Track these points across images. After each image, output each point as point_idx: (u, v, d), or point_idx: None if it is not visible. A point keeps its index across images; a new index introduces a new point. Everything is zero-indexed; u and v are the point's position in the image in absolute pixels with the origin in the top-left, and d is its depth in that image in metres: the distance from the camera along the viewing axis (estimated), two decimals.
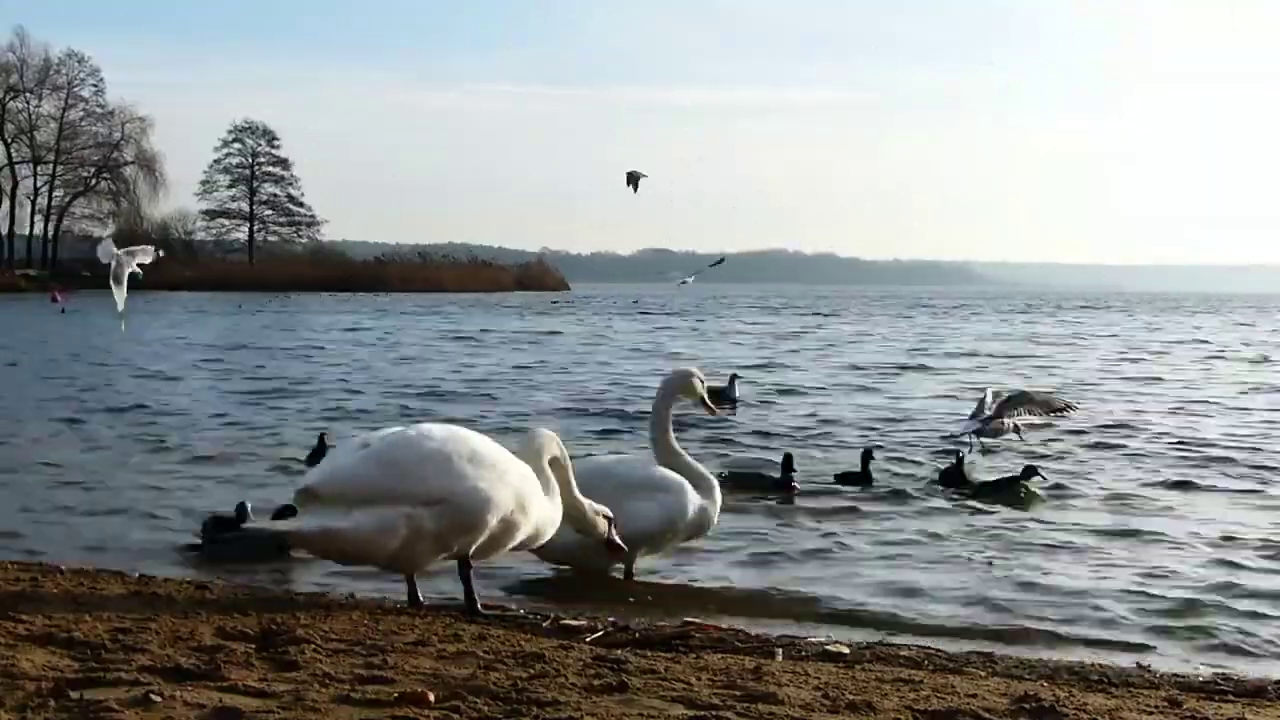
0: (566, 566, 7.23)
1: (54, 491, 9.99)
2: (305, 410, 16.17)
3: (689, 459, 7.31)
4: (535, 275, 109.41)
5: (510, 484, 5.69)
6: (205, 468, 11.32)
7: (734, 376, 17.54)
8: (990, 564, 7.83)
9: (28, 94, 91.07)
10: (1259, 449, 13.25)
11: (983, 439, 10.04)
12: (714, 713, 4.06)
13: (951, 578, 7.45)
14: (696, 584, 7.26)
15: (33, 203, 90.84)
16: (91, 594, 5.85)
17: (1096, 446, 13.13)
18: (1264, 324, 55.97)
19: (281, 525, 5.76)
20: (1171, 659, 5.94)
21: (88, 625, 5.06)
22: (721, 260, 30.07)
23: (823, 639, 5.90)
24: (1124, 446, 13.19)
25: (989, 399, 10.18)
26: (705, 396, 7.48)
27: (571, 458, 6.25)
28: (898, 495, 10.22)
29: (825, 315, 61.49)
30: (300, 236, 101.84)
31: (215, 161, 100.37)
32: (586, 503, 6.21)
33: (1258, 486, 10.91)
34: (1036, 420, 10.80)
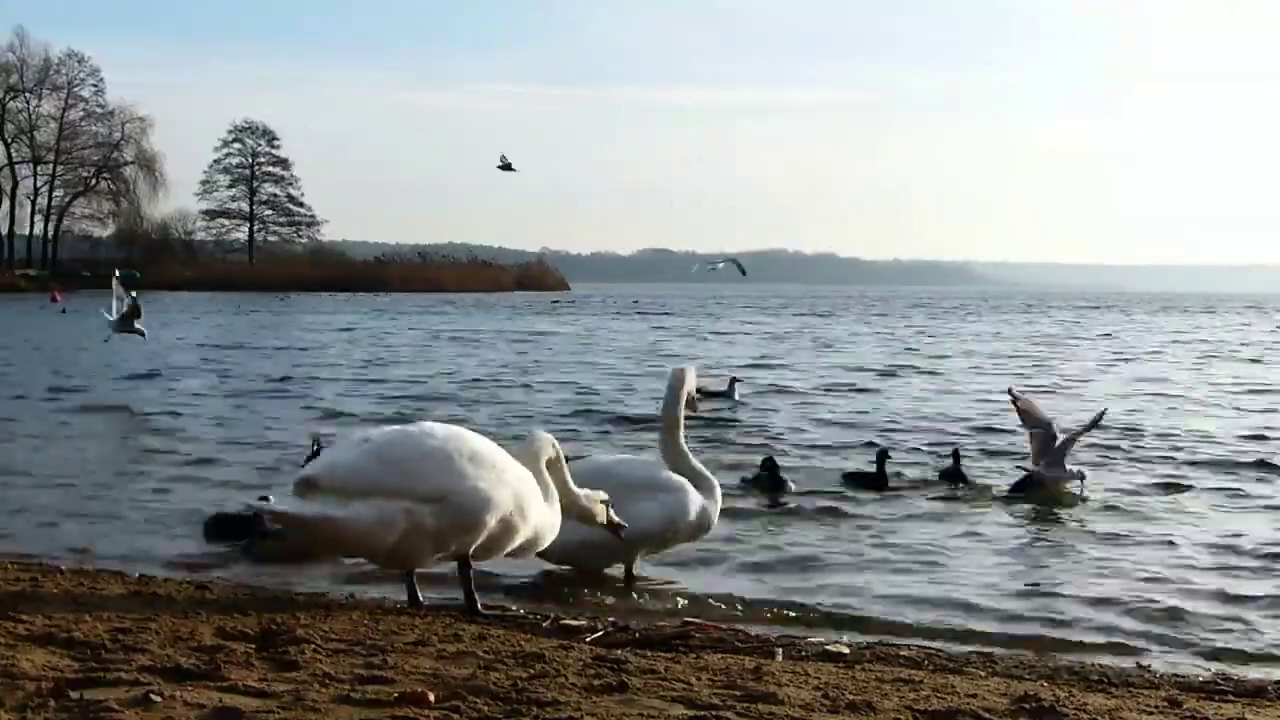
0: (566, 567, 7.23)
1: (53, 492, 9.98)
2: (298, 411, 16.15)
3: (694, 460, 7.31)
4: (535, 275, 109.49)
5: (509, 485, 5.69)
6: (202, 468, 11.31)
7: (734, 380, 17.57)
8: (990, 564, 7.83)
9: (28, 94, 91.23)
10: (1258, 449, 13.25)
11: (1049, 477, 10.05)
12: (714, 713, 4.06)
13: (952, 578, 7.45)
14: (697, 584, 7.26)
15: (33, 203, 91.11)
16: (91, 594, 5.85)
17: (1093, 447, 13.12)
18: (1263, 324, 55.98)
19: (279, 506, 5.74)
20: (1171, 659, 5.94)
21: (88, 625, 5.06)
22: (738, 266, 30.06)
23: (823, 639, 5.90)
24: (1121, 447, 13.18)
25: (1057, 434, 10.17)
26: (693, 392, 7.47)
27: (569, 459, 6.26)
28: (897, 496, 10.22)
29: (823, 315, 61.47)
30: (300, 236, 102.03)
31: (215, 161, 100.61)
32: (582, 493, 6.23)
33: (1257, 487, 10.91)
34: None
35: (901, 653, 5.60)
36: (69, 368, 23.15)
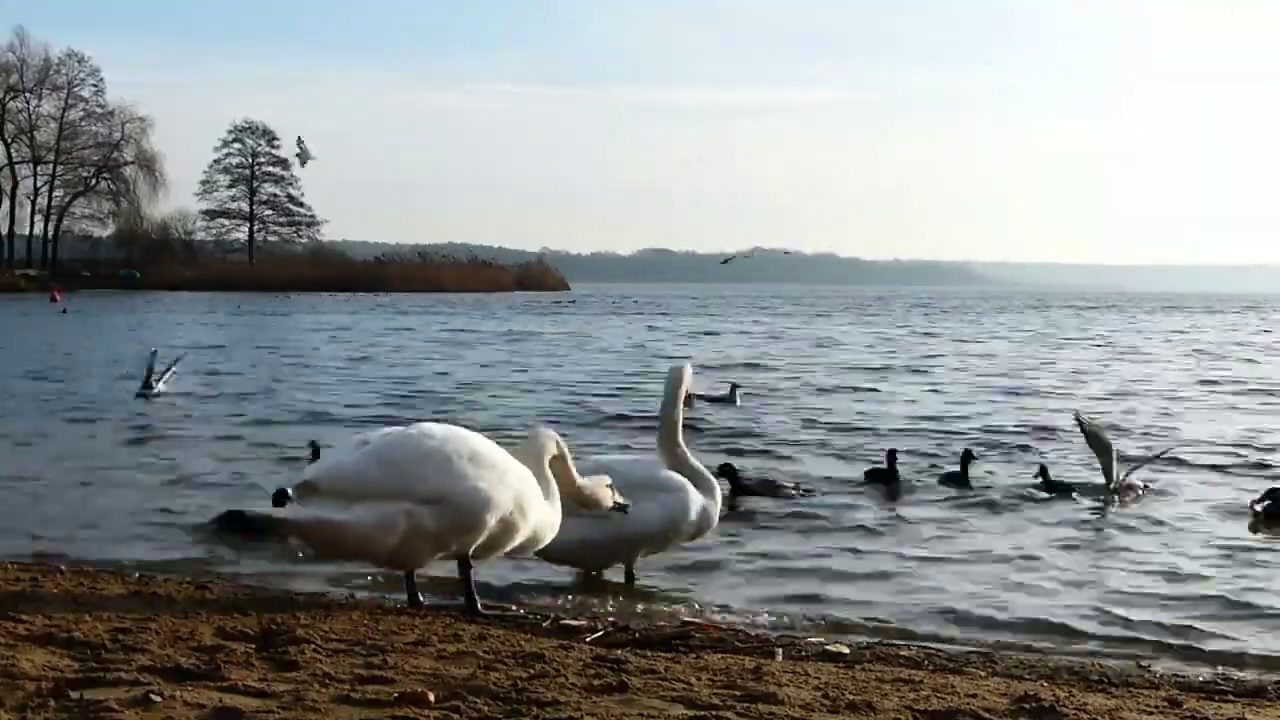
0: (566, 566, 7.23)
1: (53, 492, 9.99)
2: (295, 412, 16.14)
3: (694, 460, 7.31)
4: (535, 275, 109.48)
5: (510, 485, 5.69)
6: (200, 469, 11.32)
7: (735, 385, 17.57)
8: (991, 564, 7.83)
9: (28, 94, 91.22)
10: (1256, 449, 13.26)
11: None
12: (714, 713, 4.07)
13: (952, 578, 7.46)
14: (697, 585, 7.26)
15: (33, 203, 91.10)
16: (91, 594, 5.85)
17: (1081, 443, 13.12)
18: (1261, 324, 55.98)
19: (279, 512, 5.74)
20: (1171, 659, 5.94)
21: (88, 625, 5.06)
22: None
23: (823, 639, 5.91)
24: (1118, 448, 13.17)
25: (1117, 468, 10.30)
26: (691, 390, 7.46)
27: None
28: (900, 497, 10.23)
29: (821, 316, 61.47)
30: (300, 236, 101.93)
31: (215, 161, 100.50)
32: (586, 483, 6.23)
33: (1256, 486, 10.89)
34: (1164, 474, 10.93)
35: (901, 653, 5.60)
36: (68, 368, 23.13)
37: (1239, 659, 5.94)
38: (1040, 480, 10.52)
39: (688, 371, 7.41)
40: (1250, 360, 29.70)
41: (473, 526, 5.63)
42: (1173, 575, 7.57)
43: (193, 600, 5.80)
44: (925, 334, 42.67)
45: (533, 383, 21.12)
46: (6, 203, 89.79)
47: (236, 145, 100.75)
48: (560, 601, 6.71)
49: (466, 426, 6.18)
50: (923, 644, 5.91)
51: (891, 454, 10.86)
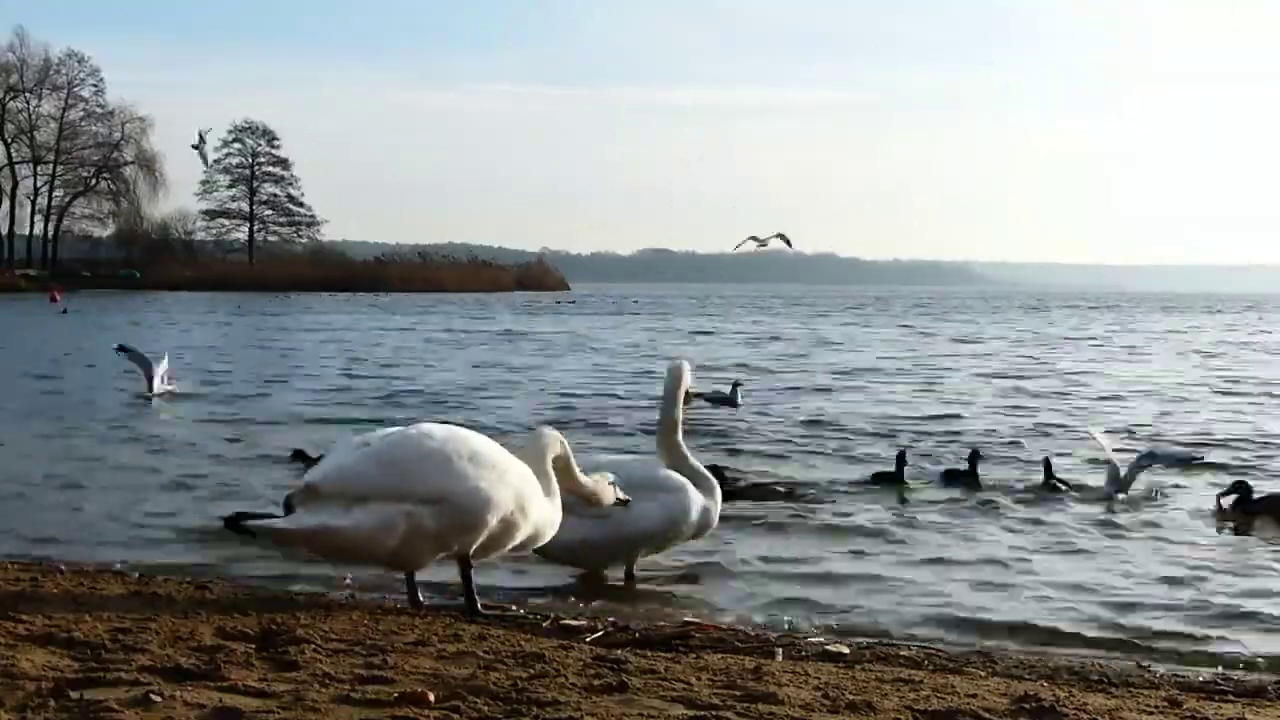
0: (567, 566, 7.23)
1: (51, 492, 9.98)
2: (292, 412, 16.13)
3: (693, 459, 7.31)
4: (535, 275, 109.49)
5: (510, 484, 5.69)
6: (198, 470, 11.31)
7: (736, 383, 17.51)
8: (992, 563, 7.83)
9: (28, 94, 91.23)
10: (1255, 447, 13.26)
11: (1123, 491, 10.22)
12: (714, 713, 4.06)
13: (953, 578, 7.45)
14: (697, 585, 7.26)
15: (33, 203, 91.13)
16: (91, 594, 5.85)
17: (1088, 444, 13.13)
18: (1261, 324, 55.99)
19: (279, 523, 5.74)
20: (1171, 659, 5.94)
21: (88, 625, 5.06)
22: (785, 240, 29.82)
23: (823, 639, 5.90)
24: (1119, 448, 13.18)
25: (1117, 464, 10.31)
26: (688, 390, 7.46)
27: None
28: (897, 496, 10.23)
29: (821, 316, 61.47)
30: (300, 236, 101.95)
31: (215, 161, 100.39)
32: (589, 481, 6.24)
33: (1257, 487, 10.89)
34: (1167, 475, 10.87)
35: (901, 653, 5.60)
36: (67, 368, 23.12)
37: (1239, 659, 5.94)
38: (1045, 477, 10.56)
39: (687, 370, 7.40)
40: (1250, 361, 29.70)
41: (473, 526, 5.63)
42: (1173, 576, 7.57)
43: (193, 600, 5.80)
44: (925, 334, 42.66)
45: (532, 383, 21.11)
46: (6, 203, 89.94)
47: (236, 145, 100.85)
48: (560, 602, 6.70)
49: (468, 427, 6.18)
50: (923, 644, 5.91)
51: (901, 455, 10.84)
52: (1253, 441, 13.87)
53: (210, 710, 3.88)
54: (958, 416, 16.19)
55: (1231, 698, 4.97)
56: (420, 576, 6.00)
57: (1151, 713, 4.50)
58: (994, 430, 14.65)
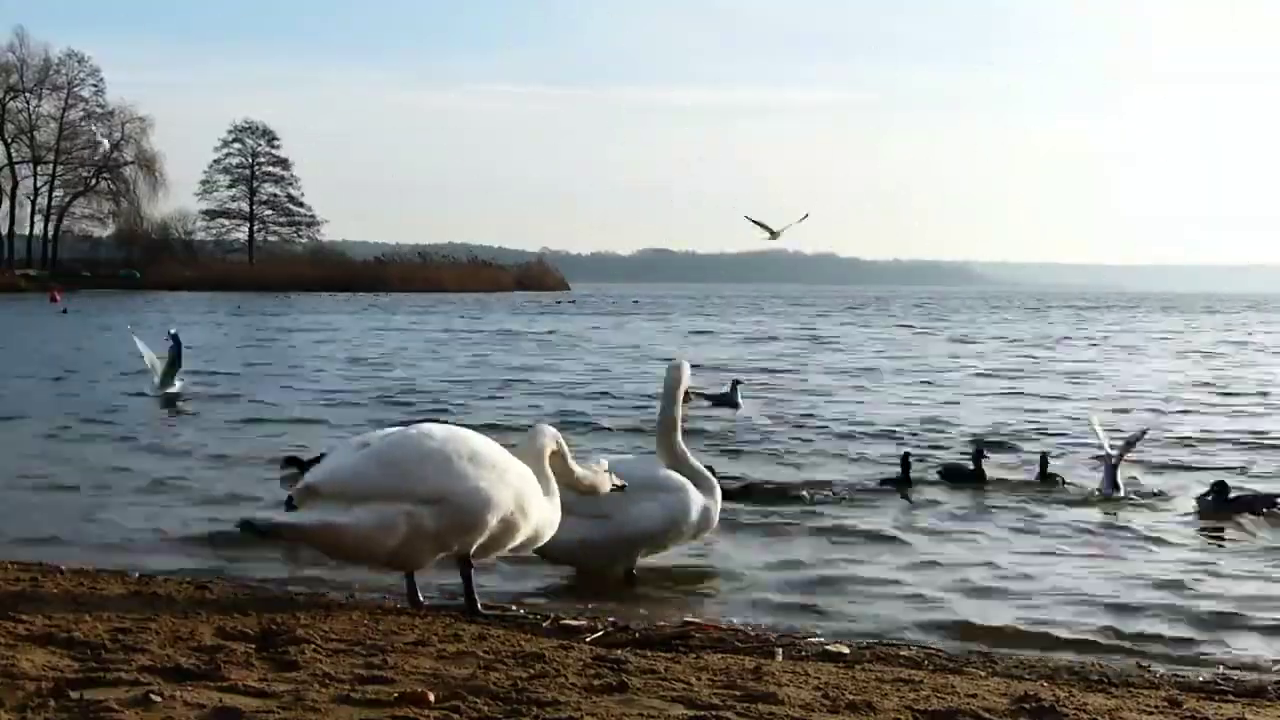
0: (567, 566, 7.22)
1: (51, 493, 9.99)
2: (289, 413, 16.13)
3: (693, 459, 7.30)
4: (535, 275, 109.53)
5: (510, 484, 5.69)
6: (196, 468, 11.32)
7: (736, 383, 17.49)
8: (992, 564, 7.83)
9: (28, 94, 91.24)
10: (1255, 449, 13.26)
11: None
12: (714, 713, 4.06)
13: (953, 578, 7.45)
14: (697, 585, 7.26)
15: (33, 203, 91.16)
16: (91, 594, 5.85)
17: (1090, 446, 13.13)
18: (1261, 324, 55.99)
19: (282, 519, 5.75)
20: (1171, 659, 5.94)
21: (88, 625, 5.06)
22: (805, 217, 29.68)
23: (823, 639, 5.90)
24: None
25: (1111, 451, 10.40)
26: (688, 389, 7.45)
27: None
28: (897, 496, 10.23)
29: (821, 316, 61.47)
30: (300, 236, 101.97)
31: (215, 161, 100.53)
32: (584, 472, 6.24)
33: (1253, 487, 10.90)
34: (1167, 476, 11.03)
35: (901, 653, 5.60)
36: (66, 368, 23.11)
37: (1239, 659, 5.94)
38: (1040, 470, 10.68)
39: (686, 369, 7.40)
40: (1250, 361, 29.71)
41: (473, 526, 5.63)
42: (1173, 576, 7.56)
43: (193, 600, 5.80)
44: (925, 334, 42.66)
45: (531, 383, 21.10)
46: (6, 203, 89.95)
47: (236, 145, 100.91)
48: (560, 602, 6.70)
49: (468, 426, 6.18)
50: (923, 644, 5.91)
51: (906, 457, 10.84)
52: (1244, 443, 13.87)
53: (210, 710, 3.88)
54: (957, 417, 16.19)
55: (1231, 698, 4.97)
56: (420, 577, 6.01)
57: (1151, 713, 4.50)
58: (994, 430, 14.64)
